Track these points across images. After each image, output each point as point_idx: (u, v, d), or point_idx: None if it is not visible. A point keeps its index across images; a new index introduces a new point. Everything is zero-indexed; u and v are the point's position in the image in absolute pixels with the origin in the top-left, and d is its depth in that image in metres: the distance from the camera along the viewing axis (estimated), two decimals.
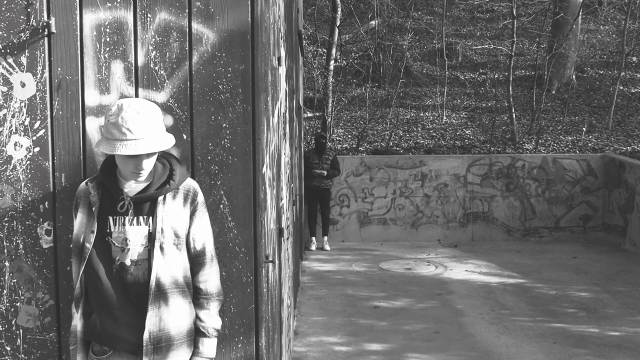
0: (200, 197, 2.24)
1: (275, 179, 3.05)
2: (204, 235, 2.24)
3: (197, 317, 2.24)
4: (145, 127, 2.04)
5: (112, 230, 2.13)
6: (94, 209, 2.13)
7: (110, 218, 2.13)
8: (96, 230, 2.12)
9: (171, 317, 2.15)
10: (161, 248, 2.13)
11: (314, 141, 9.46)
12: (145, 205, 2.14)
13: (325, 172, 9.04)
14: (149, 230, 2.14)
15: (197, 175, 2.46)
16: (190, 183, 2.24)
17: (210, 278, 2.25)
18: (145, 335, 2.11)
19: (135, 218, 2.13)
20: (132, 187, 2.15)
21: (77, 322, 2.18)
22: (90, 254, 2.12)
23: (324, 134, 9.90)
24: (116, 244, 2.13)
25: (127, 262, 2.12)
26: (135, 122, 2.03)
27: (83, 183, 2.21)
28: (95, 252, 2.12)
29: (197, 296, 2.25)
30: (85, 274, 2.14)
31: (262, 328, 2.53)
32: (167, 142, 2.11)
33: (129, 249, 2.12)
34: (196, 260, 2.24)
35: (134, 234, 2.13)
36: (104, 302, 2.12)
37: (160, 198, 2.15)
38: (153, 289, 2.11)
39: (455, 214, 9.61)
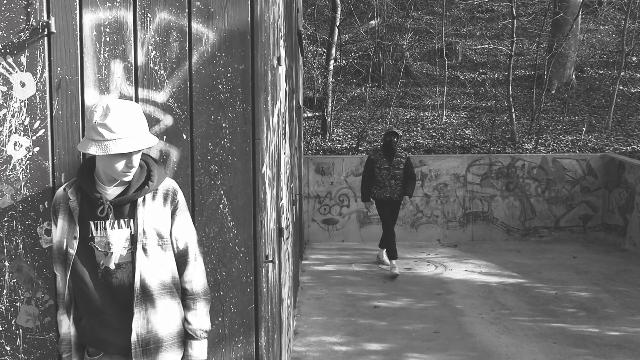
0: (181, 197, 2.24)
1: (275, 179, 3.05)
2: (186, 235, 2.24)
3: (185, 319, 2.24)
4: (133, 125, 2.07)
5: (95, 235, 2.13)
6: (74, 214, 2.13)
7: (92, 223, 2.13)
8: (79, 236, 2.12)
9: (159, 318, 2.15)
10: (144, 250, 2.12)
11: (382, 139, 7.81)
12: (126, 208, 2.14)
13: (407, 197, 7.50)
14: (131, 232, 2.14)
15: (197, 175, 2.46)
16: (170, 183, 2.24)
17: (196, 278, 2.25)
18: (134, 338, 2.11)
19: (117, 222, 2.13)
20: (111, 191, 2.15)
21: (71, 328, 2.19)
22: (75, 260, 2.12)
23: (397, 130, 7.76)
24: (99, 249, 2.13)
25: (112, 266, 2.12)
26: (124, 120, 2.05)
27: (61, 189, 2.21)
28: (79, 257, 2.12)
29: (184, 297, 2.25)
30: (71, 280, 2.14)
31: (262, 328, 2.53)
32: (154, 139, 2.13)
33: (112, 253, 2.12)
34: (180, 261, 2.24)
35: (116, 237, 2.13)
36: (92, 307, 2.12)
37: (140, 200, 2.15)
38: (138, 291, 2.11)
39: (455, 214, 9.61)
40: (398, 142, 7.57)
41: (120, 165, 2.09)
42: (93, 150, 2.03)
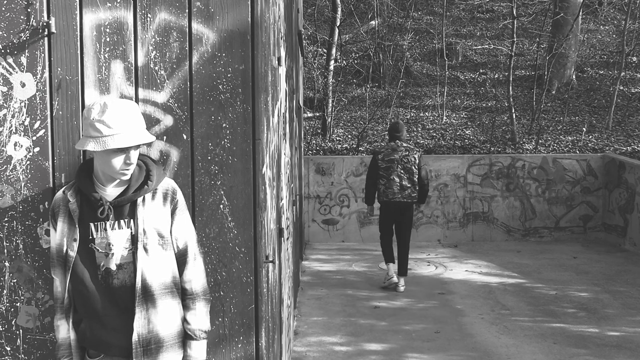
0: (180, 196, 2.24)
1: (275, 179, 3.05)
2: (185, 234, 2.24)
3: (185, 319, 2.23)
4: (130, 121, 2.07)
5: (95, 236, 2.12)
6: (74, 216, 2.13)
7: (92, 224, 2.12)
8: (79, 238, 2.12)
9: (160, 318, 2.14)
10: (145, 249, 2.12)
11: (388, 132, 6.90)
12: (125, 208, 2.14)
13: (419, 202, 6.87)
14: (131, 232, 2.13)
15: (197, 175, 2.46)
16: (169, 182, 2.24)
17: (195, 277, 2.25)
18: (134, 338, 2.10)
19: (117, 222, 2.13)
20: (110, 192, 2.15)
21: (70, 332, 2.18)
22: (75, 262, 2.11)
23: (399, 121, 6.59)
24: (100, 250, 2.12)
25: (112, 267, 2.12)
26: (121, 116, 2.05)
27: (60, 192, 2.20)
28: (80, 259, 2.12)
29: (183, 297, 2.24)
30: (71, 283, 2.14)
31: (262, 328, 2.53)
32: (151, 136, 2.14)
33: (112, 254, 2.12)
34: (180, 260, 2.24)
35: (117, 238, 2.12)
36: (92, 309, 2.12)
37: (140, 200, 2.15)
38: (139, 290, 2.10)
39: (455, 214, 9.61)
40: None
41: (118, 162, 2.08)
42: (91, 147, 2.03)
